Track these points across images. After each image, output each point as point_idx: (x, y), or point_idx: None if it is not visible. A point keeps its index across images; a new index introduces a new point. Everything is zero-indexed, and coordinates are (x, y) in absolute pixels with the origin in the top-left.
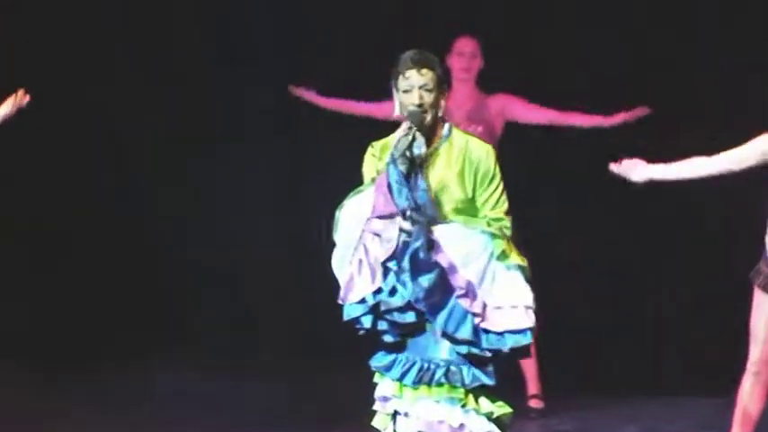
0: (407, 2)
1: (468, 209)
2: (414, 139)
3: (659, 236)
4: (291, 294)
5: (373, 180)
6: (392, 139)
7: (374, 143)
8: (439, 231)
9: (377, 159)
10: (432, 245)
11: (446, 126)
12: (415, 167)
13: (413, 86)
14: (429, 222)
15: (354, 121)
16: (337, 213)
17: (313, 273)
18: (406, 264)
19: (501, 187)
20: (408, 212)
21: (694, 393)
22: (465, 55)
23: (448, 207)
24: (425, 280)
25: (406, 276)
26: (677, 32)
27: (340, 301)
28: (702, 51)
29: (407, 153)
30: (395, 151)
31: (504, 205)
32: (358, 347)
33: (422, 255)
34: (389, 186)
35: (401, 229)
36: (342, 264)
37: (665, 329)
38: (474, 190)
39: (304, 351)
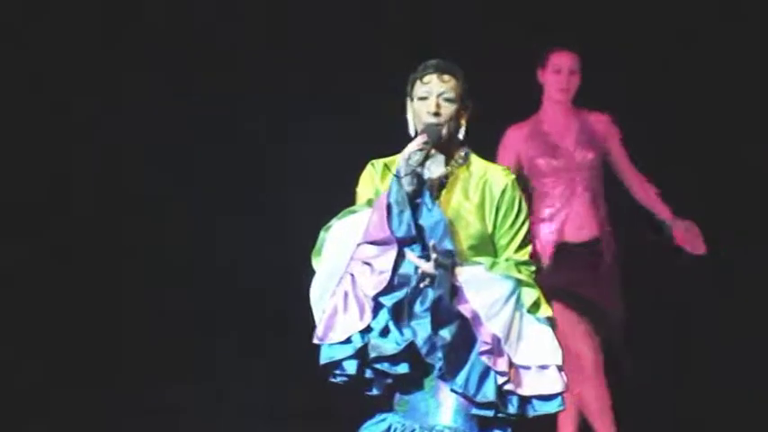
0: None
1: (485, 247)
2: (428, 156)
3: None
4: (263, 343)
5: (370, 202)
6: (400, 156)
7: (375, 161)
8: (462, 276)
9: (378, 180)
10: (454, 291)
11: (464, 150)
12: (427, 192)
13: (431, 93)
14: (453, 265)
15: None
16: (322, 234)
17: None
18: (419, 308)
19: (527, 226)
20: (434, 255)
21: None
22: (563, 72)
23: (463, 244)
24: (447, 332)
25: (419, 325)
26: None
27: (316, 341)
28: None
29: (418, 171)
30: (403, 167)
31: (529, 246)
32: (342, 410)
33: (445, 303)
34: (389, 207)
35: (424, 274)
36: (322, 295)
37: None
38: (494, 227)
39: (277, 412)
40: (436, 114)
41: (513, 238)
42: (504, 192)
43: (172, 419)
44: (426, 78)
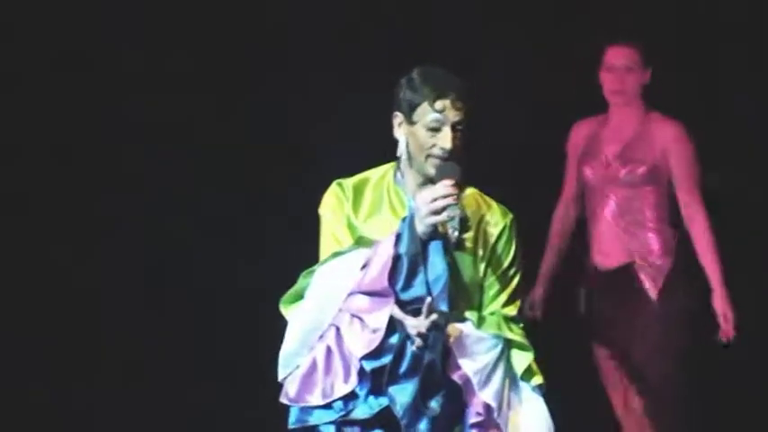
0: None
1: (474, 296)
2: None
3: None
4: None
5: (360, 240)
6: (381, 176)
7: (342, 181)
8: (451, 336)
9: (349, 206)
10: (445, 354)
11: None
12: (439, 241)
13: (445, 123)
14: (446, 324)
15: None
16: (302, 281)
17: None
18: (406, 370)
19: (519, 277)
20: (433, 315)
21: None
22: (616, 70)
23: (453, 294)
24: (436, 403)
25: (399, 391)
26: None
27: (285, 401)
28: None
29: (451, 228)
30: (429, 216)
31: (519, 302)
32: None
33: (438, 369)
34: (397, 259)
35: (419, 335)
36: (299, 351)
37: None
38: (485, 273)
39: None
40: (451, 152)
41: (503, 289)
42: (501, 234)
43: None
44: (439, 104)
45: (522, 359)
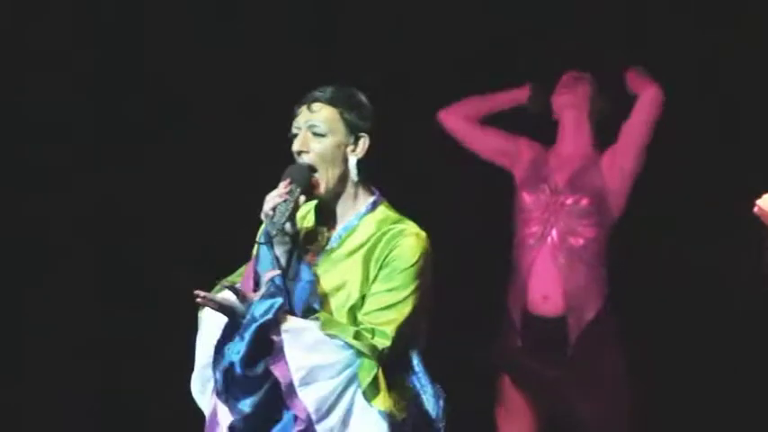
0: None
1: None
2: (297, 206)
3: None
4: None
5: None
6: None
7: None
8: (287, 326)
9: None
10: (272, 346)
11: (370, 199)
12: (295, 250)
13: (299, 127)
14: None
15: None
16: (200, 315)
17: None
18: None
19: (408, 293)
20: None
21: None
22: (566, 85)
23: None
24: (247, 405)
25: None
26: None
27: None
28: None
29: (287, 227)
30: (269, 224)
31: (401, 319)
32: None
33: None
34: (256, 276)
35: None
36: (203, 390)
37: None
38: (373, 282)
39: None
40: (300, 153)
41: (380, 295)
42: (395, 247)
43: None
44: (297, 111)
45: (366, 371)
